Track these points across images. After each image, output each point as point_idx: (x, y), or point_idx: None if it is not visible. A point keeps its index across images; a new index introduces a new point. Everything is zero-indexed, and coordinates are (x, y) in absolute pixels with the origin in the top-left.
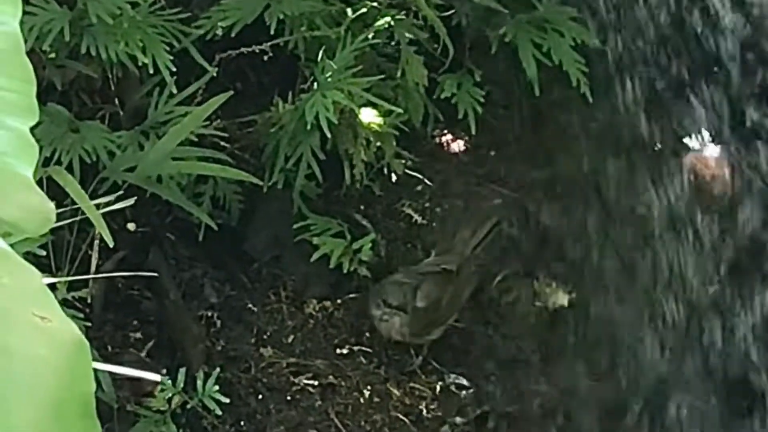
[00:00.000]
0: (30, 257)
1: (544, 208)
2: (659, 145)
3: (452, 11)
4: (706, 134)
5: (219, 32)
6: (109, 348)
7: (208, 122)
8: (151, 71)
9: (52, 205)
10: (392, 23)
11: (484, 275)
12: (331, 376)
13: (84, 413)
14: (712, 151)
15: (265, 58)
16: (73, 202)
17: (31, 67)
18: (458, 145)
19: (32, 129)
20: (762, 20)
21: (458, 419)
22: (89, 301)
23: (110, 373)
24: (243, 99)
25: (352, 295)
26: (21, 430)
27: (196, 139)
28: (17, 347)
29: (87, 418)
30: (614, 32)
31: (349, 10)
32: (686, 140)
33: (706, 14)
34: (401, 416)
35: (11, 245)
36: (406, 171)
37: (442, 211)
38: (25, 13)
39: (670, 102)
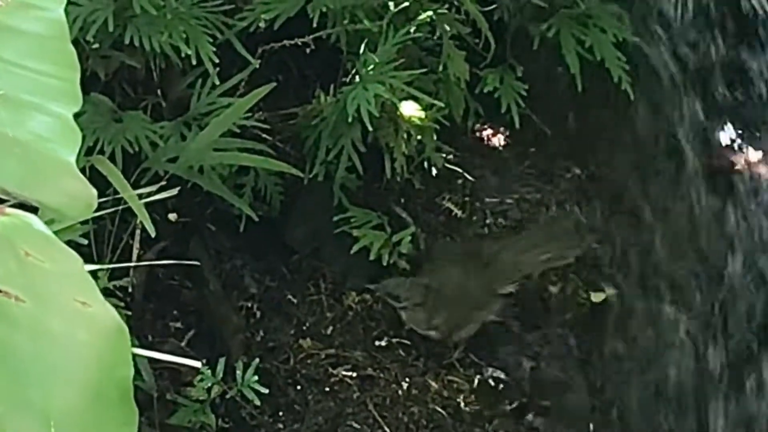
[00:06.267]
0: (72, 246)
1: (583, 203)
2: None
3: (494, 6)
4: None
5: (262, 25)
6: (150, 337)
7: (250, 114)
8: (194, 62)
9: (93, 191)
10: (434, 17)
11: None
12: (369, 368)
13: (122, 398)
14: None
15: (308, 50)
16: (116, 192)
17: (75, 53)
18: (498, 140)
19: (75, 118)
20: None
21: (496, 412)
22: (130, 290)
23: (150, 361)
24: (285, 91)
25: None
26: (60, 412)
27: (238, 131)
28: (58, 331)
29: (125, 403)
30: None
31: (391, 4)
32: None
33: None
34: (439, 409)
35: (54, 233)
36: (446, 165)
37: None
38: (69, 3)
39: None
